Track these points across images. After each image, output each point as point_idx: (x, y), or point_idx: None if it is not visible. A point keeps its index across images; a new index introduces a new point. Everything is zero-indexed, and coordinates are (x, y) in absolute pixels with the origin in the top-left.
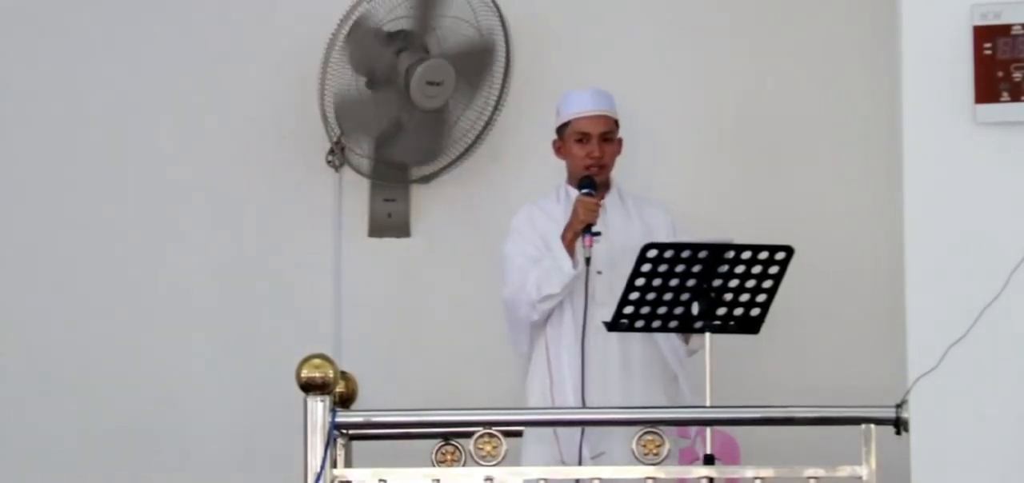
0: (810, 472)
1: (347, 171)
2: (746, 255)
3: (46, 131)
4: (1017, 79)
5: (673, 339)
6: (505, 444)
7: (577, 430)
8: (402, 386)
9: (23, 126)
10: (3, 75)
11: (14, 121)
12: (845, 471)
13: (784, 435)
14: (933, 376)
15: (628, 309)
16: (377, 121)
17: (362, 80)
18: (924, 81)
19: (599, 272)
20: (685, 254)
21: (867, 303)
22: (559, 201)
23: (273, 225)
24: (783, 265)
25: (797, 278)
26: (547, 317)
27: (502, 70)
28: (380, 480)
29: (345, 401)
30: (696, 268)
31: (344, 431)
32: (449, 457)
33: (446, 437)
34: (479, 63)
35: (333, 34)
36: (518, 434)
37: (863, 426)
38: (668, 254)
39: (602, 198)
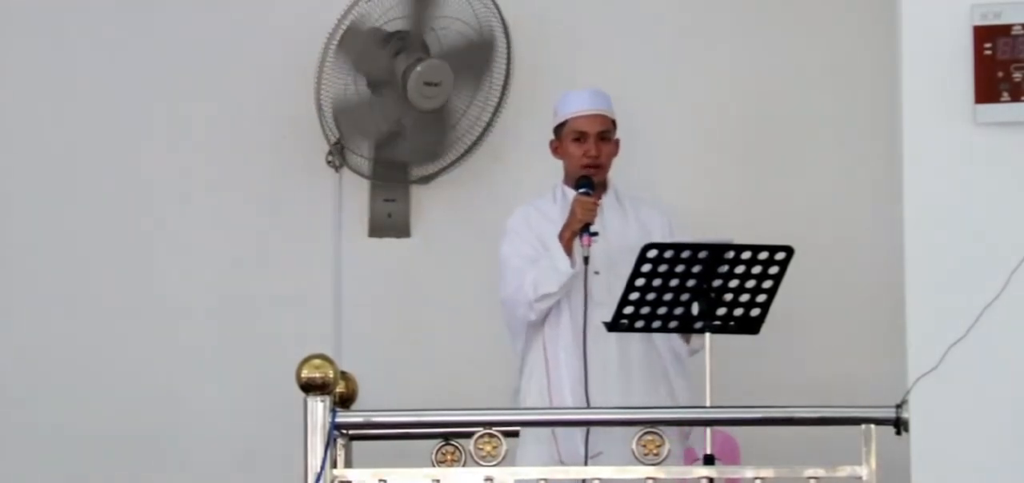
0: (810, 472)
1: (347, 171)
2: (746, 255)
3: (45, 131)
4: (1017, 79)
5: (674, 339)
6: (505, 444)
7: (575, 430)
8: (402, 386)
9: (22, 127)
10: (2, 75)
11: (13, 121)
12: (845, 471)
13: (784, 435)
14: (933, 376)
15: (628, 309)
16: (376, 124)
17: (361, 82)
18: (924, 81)
19: (597, 272)
20: (685, 254)
21: (867, 303)
22: (555, 201)
23: (273, 225)
24: (783, 265)
25: (797, 278)
26: (545, 317)
27: (503, 68)
28: (380, 480)
29: (345, 401)
30: (696, 268)
31: (344, 431)
32: (449, 457)
33: (446, 437)
34: (479, 60)
35: (327, 38)
36: (518, 434)
37: (863, 426)
38: (668, 254)
39: (599, 198)
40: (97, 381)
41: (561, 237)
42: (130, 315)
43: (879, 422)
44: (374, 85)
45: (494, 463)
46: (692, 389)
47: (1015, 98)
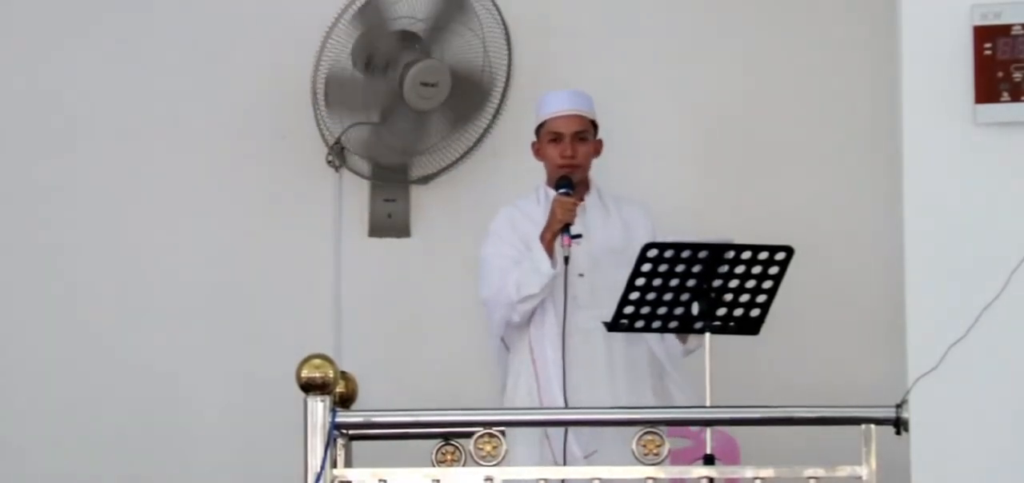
0: (810, 472)
1: (347, 171)
2: (746, 255)
3: (45, 132)
4: (1017, 79)
5: (669, 339)
6: (505, 444)
7: (570, 430)
8: (402, 386)
9: (21, 127)
10: (2, 75)
11: (12, 122)
12: (845, 471)
13: (784, 435)
14: (933, 376)
15: (628, 309)
16: (364, 104)
17: (361, 64)
18: (924, 81)
19: (581, 274)
20: (685, 254)
21: (867, 303)
22: (539, 202)
23: (273, 225)
24: (783, 265)
25: (797, 278)
26: (529, 318)
27: (503, 73)
28: (380, 480)
29: (345, 401)
30: (696, 268)
31: (344, 431)
32: (449, 457)
33: (446, 437)
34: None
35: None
36: None
37: (863, 426)
38: (668, 254)
39: (581, 199)
40: (96, 381)
41: (542, 238)
42: (129, 315)
43: (879, 422)
44: (373, 69)
45: (494, 463)
46: (691, 389)
47: (1015, 98)
